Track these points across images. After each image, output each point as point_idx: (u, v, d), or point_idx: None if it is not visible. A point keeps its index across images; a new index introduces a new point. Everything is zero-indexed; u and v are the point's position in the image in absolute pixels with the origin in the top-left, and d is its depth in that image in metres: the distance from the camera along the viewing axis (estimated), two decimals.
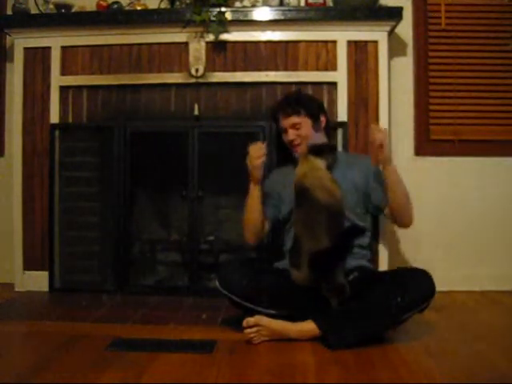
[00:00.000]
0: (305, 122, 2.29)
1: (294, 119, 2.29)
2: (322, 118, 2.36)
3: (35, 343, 1.94)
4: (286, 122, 2.30)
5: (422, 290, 1.95)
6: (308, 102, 2.36)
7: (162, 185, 2.92)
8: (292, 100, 2.34)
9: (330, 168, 2.12)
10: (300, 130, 2.29)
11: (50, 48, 2.82)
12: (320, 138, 2.31)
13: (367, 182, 2.22)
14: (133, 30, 2.79)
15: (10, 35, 2.88)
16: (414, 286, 1.93)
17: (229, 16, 2.71)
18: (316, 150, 2.14)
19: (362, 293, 1.92)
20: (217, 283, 2.09)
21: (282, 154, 2.66)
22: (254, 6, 2.83)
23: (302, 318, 1.95)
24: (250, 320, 1.89)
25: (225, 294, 2.07)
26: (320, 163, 2.10)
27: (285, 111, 2.31)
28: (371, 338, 1.88)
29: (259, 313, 1.97)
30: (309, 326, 1.92)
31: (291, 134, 2.29)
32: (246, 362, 1.72)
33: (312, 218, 1.96)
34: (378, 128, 2.09)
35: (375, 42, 2.73)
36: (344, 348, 1.83)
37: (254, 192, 2.19)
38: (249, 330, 1.89)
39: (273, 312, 2.00)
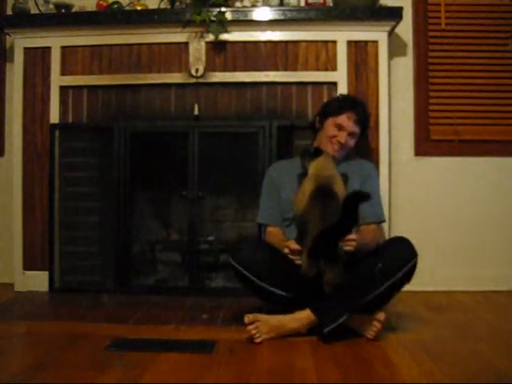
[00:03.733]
0: (357, 136, 2.33)
1: (356, 128, 2.29)
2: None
3: (35, 343, 1.94)
4: (349, 125, 2.27)
5: (401, 253, 2.01)
6: (369, 122, 2.43)
7: (161, 185, 2.92)
8: (364, 110, 2.35)
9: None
10: (352, 140, 2.30)
11: (50, 48, 2.82)
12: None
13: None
14: (133, 30, 2.79)
15: (10, 35, 2.88)
16: (392, 251, 2.01)
17: (229, 16, 2.71)
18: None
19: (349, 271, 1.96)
20: (230, 259, 2.08)
21: (282, 154, 2.68)
22: (254, 6, 2.83)
23: (303, 306, 1.97)
24: (249, 316, 1.89)
25: (237, 268, 2.05)
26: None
27: (356, 115, 2.28)
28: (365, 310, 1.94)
29: (266, 293, 2.00)
30: (304, 313, 1.95)
31: (344, 137, 2.27)
32: (246, 362, 1.72)
33: (328, 215, 1.94)
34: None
35: (375, 42, 2.73)
36: (337, 325, 1.88)
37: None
38: (250, 327, 1.88)
39: (281, 293, 2.01)
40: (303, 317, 1.95)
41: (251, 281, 2.04)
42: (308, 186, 2.05)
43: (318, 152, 2.17)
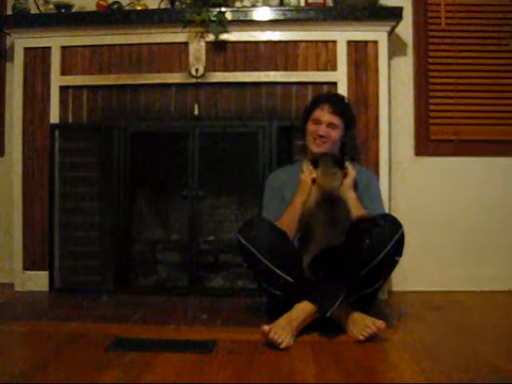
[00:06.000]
0: (339, 128, 2.31)
1: (335, 119, 2.29)
2: (349, 132, 2.40)
3: (35, 343, 1.94)
4: (326, 117, 2.28)
5: (387, 228, 2.02)
6: (351, 112, 2.40)
7: (161, 185, 2.92)
8: (341, 102, 2.35)
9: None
10: (333, 131, 2.29)
11: (49, 48, 2.82)
12: (337, 149, 2.36)
13: (361, 197, 2.23)
14: (133, 30, 2.79)
15: (10, 35, 2.88)
16: (378, 227, 2.02)
17: (229, 16, 2.70)
18: (340, 162, 2.18)
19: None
20: (237, 235, 2.06)
21: (282, 154, 2.68)
22: (253, 6, 2.83)
23: (301, 295, 2.00)
24: (265, 326, 1.85)
25: (244, 245, 2.03)
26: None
27: (331, 107, 2.28)
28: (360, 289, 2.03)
29: (271, 275, 2.01)
30: (304, 304, 1.97)
31: (323, 130, 2.27)
32: (246, 362, 1.71)
33: (333, 220, 2.03)
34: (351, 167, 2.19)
35: (375, 42, 2.73)
36: (337, 307, 1.91)
37: (299, 203, 2.16)
38: (271, 336, 1.82)
39: (287, 278, 2.01)
40: (305, 308, 1.96)
41: (258, 260, 2.02)
42: (312, 196, 2.11)
43: (316, 162, 2.20)
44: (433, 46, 2.95)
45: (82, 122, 2.84)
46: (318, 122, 2.29)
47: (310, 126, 2.32)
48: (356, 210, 2.11)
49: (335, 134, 2.30)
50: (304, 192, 2.16)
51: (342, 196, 2.11)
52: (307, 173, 2.19)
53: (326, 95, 2.42)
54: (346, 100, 2.45)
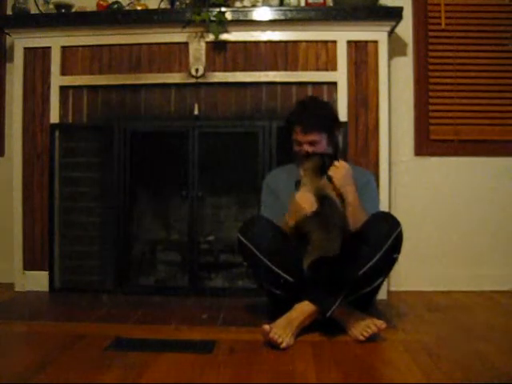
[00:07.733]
0: (322, 140, 2.24)
1: (313, 137, 2.22)
2: (337, 132, 2.31)
3: (35, 343, 1.94)
4: (304, 138, 2.22)
5: (384, 226, 2.02)
6: (327, 118, 2.27)
7: (162, 185, 2.92)
8: (312, 116, 2.23)
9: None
10: (316, 146, 2.23)
11: (50, 48, 2.82)
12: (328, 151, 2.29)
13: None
14: (133, 30, 2.79)
15: (10, 35, 2.88)
16: (376, 225, 2.03)
17: (229, 16, 2.71)
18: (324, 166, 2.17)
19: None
20: (238, 234, 2.07)
21: (282, 155, 2.67)
22: (254, 5, 2.83)
23: (300, 295, 1.99)
24: (266, 325, 1.86)
25: (244, 244, 2.04)
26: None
27: (305, 127, 2.21)
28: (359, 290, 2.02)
29: (270, 274, 2.01)
30: (304, 305, 1.97)
31: (305, 149, 2.22)
32: (246, 362, 1.72)
33: (327, 219, 2.02)
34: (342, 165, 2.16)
35: (375, 42, 2.73)
36: (336, 307, 1.91)
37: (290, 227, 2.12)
38: (272, 335, 1.82)
39: (286, 277, 2.01)
40: (305, 308, 1.96)
41: (258, 259, 2.03)
42: None
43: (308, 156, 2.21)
44: (433, 45, 2.95)
45: (82, 122, 2.84)
46: (298, 143, 2.26)
47: (294, 145, 2.28)
48: (352, 208, 2.10)
49: (319, 147, 2.24)
50: (297, 214, 2.07)
51: (329, 195, 2.09)
52: (303, 197, 2.08)
53: (297, 116, 2.28)
54: (316, 108, 2.29)
